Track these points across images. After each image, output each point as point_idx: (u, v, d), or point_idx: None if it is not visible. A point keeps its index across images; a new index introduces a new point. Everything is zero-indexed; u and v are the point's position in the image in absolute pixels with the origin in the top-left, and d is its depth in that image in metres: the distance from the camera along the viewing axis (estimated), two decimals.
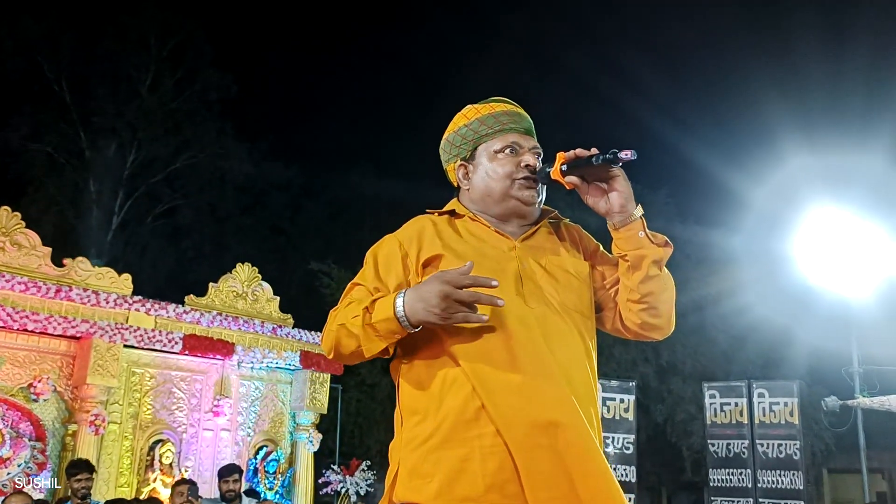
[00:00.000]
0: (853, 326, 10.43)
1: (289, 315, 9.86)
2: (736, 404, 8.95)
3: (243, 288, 9.54)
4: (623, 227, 1.64)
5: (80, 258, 8.35)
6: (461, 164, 1.80)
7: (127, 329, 8.01)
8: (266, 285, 9.80)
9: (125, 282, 8.49)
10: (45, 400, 7.64)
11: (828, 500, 19.81)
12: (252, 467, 9.10)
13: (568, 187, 1.64)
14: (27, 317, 7.37)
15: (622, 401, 9.03)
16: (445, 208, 1.81)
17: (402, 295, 1.50)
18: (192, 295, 9.11)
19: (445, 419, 1.52)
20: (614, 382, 9.31)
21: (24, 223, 7.95)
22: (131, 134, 18.46)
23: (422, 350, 1.61)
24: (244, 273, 9.64)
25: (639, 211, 1.65)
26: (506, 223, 1.75)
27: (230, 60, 20.82)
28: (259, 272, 9.77)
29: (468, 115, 1.80)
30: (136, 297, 8.45)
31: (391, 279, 1.67)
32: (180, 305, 8.80)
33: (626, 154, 1.55)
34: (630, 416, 9.02)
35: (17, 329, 7.43)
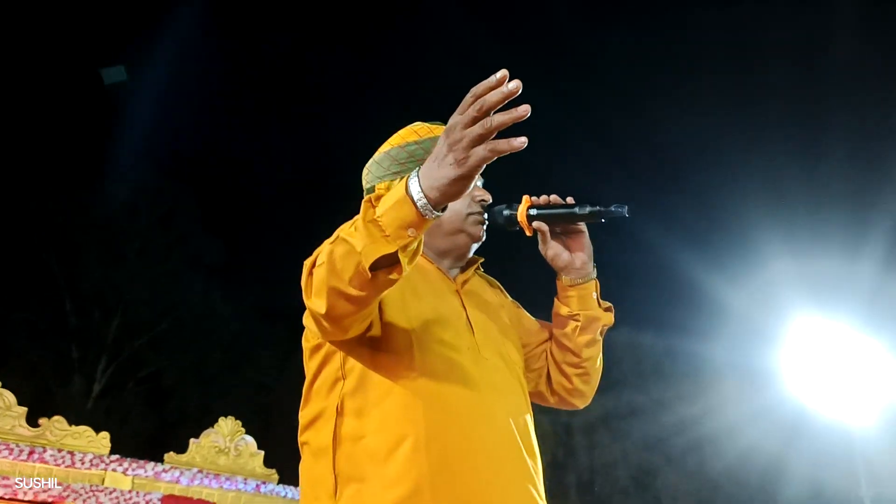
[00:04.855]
0: (858, 456, 9.49)
1: (273, 470, 9.46)
2: None
3: (226, 442, 9.21)
4: (577, 286, 1.54)
5: (56, 417, 8.10)
6: None
7: (102, 491, 7.67)
8: (249, 438, 9.47)
9: (102, 440, 8.20)
10: None
11: None
12: None
13: (528, 233, 1.52)
14: None
15: None
16: None
17: (416, 171, 1.21)
18: (171, 452, 8.78)
19: (394, 495, 1.29)
20: None
21: None
22: (117, 298, 18.48)
23: (371, 404, 1.39)
24: (227, 426, 9.34)
25: (595, 271, 1.55)
26: (442, 259, 1.59)
27: (218, 221, 21.23)
28: (242, 426, 9.48)
29: (419, 133, 1.60)
30: (114, 457, 8.13)
31: None
32: (159, 464, 8.46)
33: (620, 209, 1.42)
34: None
35: None
